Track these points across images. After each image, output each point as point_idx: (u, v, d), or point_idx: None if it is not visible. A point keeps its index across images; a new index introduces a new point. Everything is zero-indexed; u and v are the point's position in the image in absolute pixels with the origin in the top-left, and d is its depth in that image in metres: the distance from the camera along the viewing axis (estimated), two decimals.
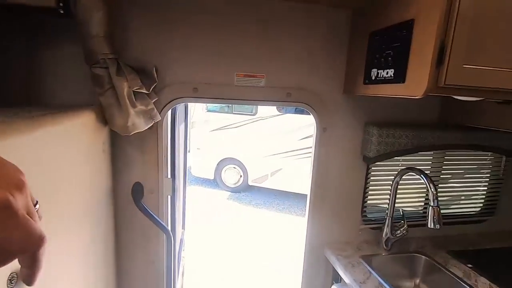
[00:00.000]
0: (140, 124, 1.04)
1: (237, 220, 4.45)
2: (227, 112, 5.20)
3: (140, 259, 1.24)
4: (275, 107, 4.80)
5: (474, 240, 1.50)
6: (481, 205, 1.59)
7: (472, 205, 1.58)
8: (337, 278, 1.31)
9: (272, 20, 1.15)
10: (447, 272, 1.22)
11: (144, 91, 1.02)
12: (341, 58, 1.24)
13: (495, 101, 1.07)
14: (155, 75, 1.06)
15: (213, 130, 5.24)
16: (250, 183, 5.27)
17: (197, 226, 4.14)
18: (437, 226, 1.13)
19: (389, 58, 0.96)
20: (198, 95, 1.16)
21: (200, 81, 1.15)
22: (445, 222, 1.50)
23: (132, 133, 1.03)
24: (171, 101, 1.14)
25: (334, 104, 1.28)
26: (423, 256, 1.33)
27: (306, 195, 1.39)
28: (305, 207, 1.40)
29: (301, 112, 4.77)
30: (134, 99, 1.00)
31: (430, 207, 1.14)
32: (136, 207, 1.14)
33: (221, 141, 5.24)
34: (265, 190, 5.48)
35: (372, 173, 1.39)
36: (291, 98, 1.22)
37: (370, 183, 1.41)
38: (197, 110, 5.26)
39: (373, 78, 1.04)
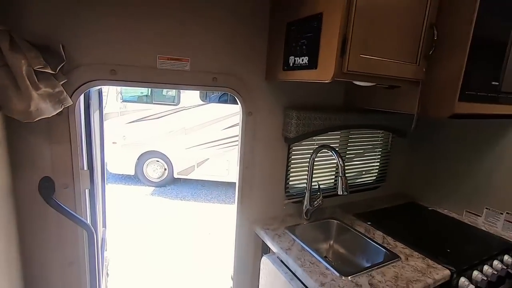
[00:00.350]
0: (46, 109, 0.92)
1: (163, 215, 4.27)
2: (146, 102, 4.86)
3: (56, 262, 1.10)
4: (198, 96, 4.73)
5: (372, 203, 1.82)
6: (376, 174, 1.94)
7: (370, 175, 1.92)
8: (266, 250, 1.43)
9: (195, 2, 1.14)
10: (353, 230, 1.47)
11: (49, 71, 0.89)
12: (263, 46, 1.32)
13: (383, 87, 1.32)
14: (63, 54, 0.94)
15: (131, 122, 4.84)
16: (175, 175, 5.09)
17: (120, 225, 3.82)
18: (345, 193, 1.34)
19: (304, 47, 1.08)
20: (117, 78, 1.08)
21: (119, 62, 1.07)
22: (351, 191, 1.79)
23: (37, 119, 0.90)
24: (84, 83, 1.03)
25: (258, 89, 1.36)
26: (335, 221, 1.55)
27: (234, 183, 1.45)
28: (234, 194, 1.47)
29: (225, 101, 4.82)
30: (36, 80, 0.87)
31: (339, 177, 1.34)
32: (46, 204, 1.01)
33: (141, 134, 4.89)
34: (192, 181, 5.39)
35: (292, 152, 1.54)
36: (217, 83, 1.25)
37: (291, 161, 1.56)
38: (111, 101, 4.75)
39: (291, 64, 1.15)
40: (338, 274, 1.09)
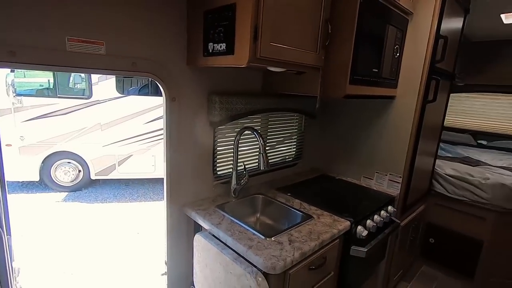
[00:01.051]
0: None
1: (82, 221, 3.86)
2: (49, 96, 4.24)
3: None
4: (114, 89, 4.36)
5: (291, 178, 2.06)
6: (294, 152, 2.19)
7: (288, 154, 2.16)
8: (198, 229, 1.50)
9: None
10: (276, 201, 1.66)
11: None
12: (183, 32, 1.35)
13: (293, 72, 1.51)
14: None
15: (30, 120, 4.15)
16: (93, 177, 4.62)
17: (31, 236, 3.30)
18: (267, 168, 1.50)
19: (221, 34, 1.17)
20: (17, 60, 0.97)
21: (19, 43, 0.96)
22: (273, 169, 1.98)
23: None
24: None
25: (180, 75, 1.39)
26: (260, 195, 1.72)
27: (162, 178, 1.46)
28: (163, 190, 1.48)
29: (146, 94, 4.57)
30: None
31: (261, 154, 1.49)
32: None
33: (45, 133, 4.25)
34: (114, 181, 4.98)
35: (218, 135, 1.63)
36: (137, 68, 1.24)
37: (218, 144, 1.65)
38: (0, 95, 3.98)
39: (210, 51, 1.23)
40: (263, 237, 1.24)
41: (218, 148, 1.65)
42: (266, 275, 1.09)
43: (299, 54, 1.26)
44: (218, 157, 1.67)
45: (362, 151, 2.08)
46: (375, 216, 1.63)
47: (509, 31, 2.90)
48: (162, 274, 1.61)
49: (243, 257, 1.17)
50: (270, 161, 1.91)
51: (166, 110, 1.38)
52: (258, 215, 1.71)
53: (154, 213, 4.16)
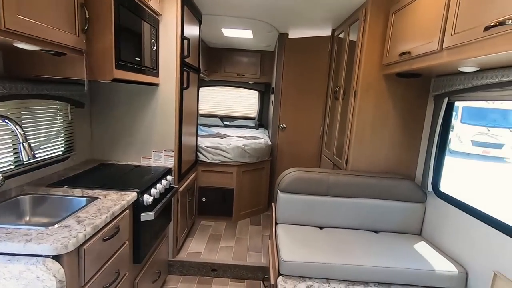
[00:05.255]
0: None
1: None
2: None
3: None
4: None
5: (64, 173, 1.89)
6: (63, 146, 1.99)
7: (56, 147, 1.94)
8: None
9: None
10: (51, 196, 1.50)
11: None
12: None
13: (50, 53, 1.41)
14: None
15: None
16: None
17: None
18: (31, 158, 1.34)
19: None
20: None
21: None
22: (40, 165, 1.73)
23: None
24: None
25: None
26: (26, 196, 1.48)
27: None
28: None
29: None
30: None
31: (21, 144, 1.30)
32: None
33: None
34: None
35: None
36: None
37: None
38: None
39: None
40: (43, 228, 1.15)
41: None
42: (57, 258, 1.05)
43: (55, 33, 1.23)
44: None
45: (138, 135, 2.27)
46: (158, 185, 1.91)
47: (228, 41, 4.12)
48: None
49: (20, 254, 1.04)
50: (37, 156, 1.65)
51: None
52: (28, 218, 1.47)
53: None
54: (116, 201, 1.48)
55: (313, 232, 2.01)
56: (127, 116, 2.24)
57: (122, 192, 1.61)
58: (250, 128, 4.80)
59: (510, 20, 1.00)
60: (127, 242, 1.55)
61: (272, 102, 4.08)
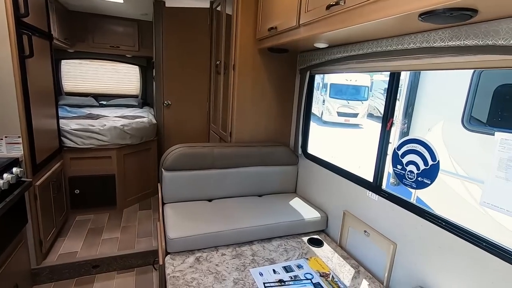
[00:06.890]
0: None
1: None
2: None
3: None
4: None
5: None
6: None
7: None
8: None
9: None
10: None
11: None
12: None
13: None
14: None
15: None
16: None
17: None
18: None
19: None
20: None
21: None
22: None
23: None
24: None
25: None
26: None
27: None
28: None
29: None
30: None
31: None
32: None
33: None
34: None
35: None
36: None
37: None
38: None
39: None
40: None
41: None
42: None
43: None
44: None
45: None
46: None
47: (94, 5, 3.49)
48: None
49: None
50: None
51: None
52: None
53: None
54: None
55: (201, 206, 2.02)
56: None
57: None
58: (132, 107, 4.33)
59: (343, 1, 1.18)
60: None
61: (154, 78, 3.76)
